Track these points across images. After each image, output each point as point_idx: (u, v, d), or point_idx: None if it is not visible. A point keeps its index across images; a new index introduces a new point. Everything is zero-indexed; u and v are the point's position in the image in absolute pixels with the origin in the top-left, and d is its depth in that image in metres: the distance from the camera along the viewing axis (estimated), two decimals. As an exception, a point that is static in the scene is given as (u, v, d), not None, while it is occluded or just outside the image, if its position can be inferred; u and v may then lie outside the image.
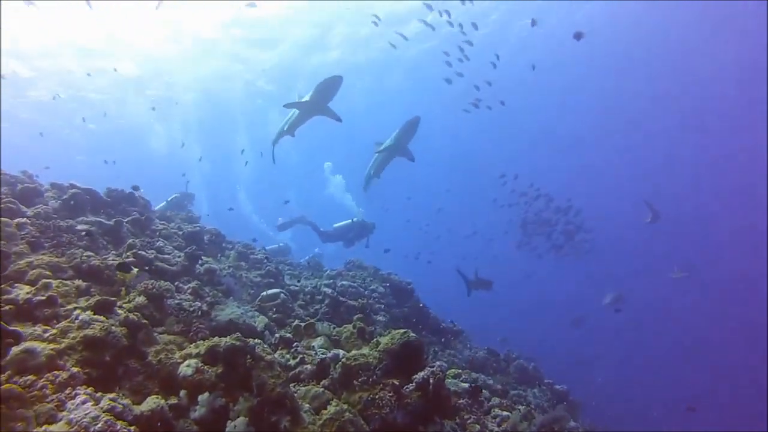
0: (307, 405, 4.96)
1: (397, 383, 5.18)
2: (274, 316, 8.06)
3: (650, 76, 32.04)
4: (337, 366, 5.56)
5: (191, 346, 4.92)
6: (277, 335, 6.69)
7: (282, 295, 8.54)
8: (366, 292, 11.54)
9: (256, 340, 4.76)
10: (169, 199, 15.98)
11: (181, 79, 33.89)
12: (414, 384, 5.11)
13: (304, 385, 5.65)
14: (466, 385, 6.98)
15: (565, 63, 30.47)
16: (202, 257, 9.23)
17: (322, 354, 5.98)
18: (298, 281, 11.06)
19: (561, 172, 40.40)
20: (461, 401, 6.35)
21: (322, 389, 5.42)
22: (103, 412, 3.32)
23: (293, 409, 4.39)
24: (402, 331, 5.62)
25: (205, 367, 4.46)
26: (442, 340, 11.98)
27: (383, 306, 11.47)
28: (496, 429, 6.41)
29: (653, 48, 29.60)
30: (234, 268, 9.95)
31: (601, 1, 26.01)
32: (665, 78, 31.62)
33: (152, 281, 6.12)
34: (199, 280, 8.22)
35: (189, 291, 7.06)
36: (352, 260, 13.73)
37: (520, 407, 7.57)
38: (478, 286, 16.85)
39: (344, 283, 11.17)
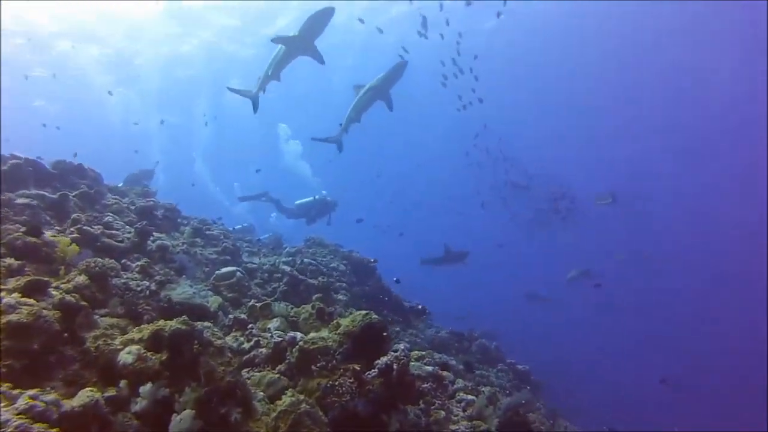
0: (262, 393, 4.62)
1: (359, 369, 4.87)
2: (229, 295, 7.67)
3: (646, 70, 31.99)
4: (294, 350, 5.22)
5: (134, 330, 4.52)
6: (231, 316, 6.32)
7: (238, 273, 8.14)
8: (326, 270, 11.21)
9: (205, 324, 4.39)
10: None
11: (141, 46, 32.65)
12: (376, 370, 4.80)
13: (259, 371, 5.31)
14: (430, 368, 6.69)
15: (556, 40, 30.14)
16: (155, 233, 8.78)
17: (279, 337, 5.63)
18: (258, 259, 10.68)
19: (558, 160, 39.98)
20: (425, 385, 6.07)
21: (278, 375, 5.08)
22: (17, 414, 2.89)
23: (245, 400, 4.05)
24: (364, 312, 5.30)
25: (148, 353, 4.08)
26: (404, 319, 11.74)
27: (344, 284, 11.16)
28: (462, 414, 6.16)
29: (652, 42, 29.46)
30: (189, 245, 9.49)
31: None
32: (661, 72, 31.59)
33: (95, 259, 5.66)
34: (150, 257, 7.79)
35: (137, 269, 6.62)
36: (312, 237, 13.37)
37: (484, 389, 7.35)
38: (451, 260, 16.76)
39: (304, 260, 10.81)
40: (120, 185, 13.64)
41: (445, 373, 6.98)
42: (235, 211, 25.32)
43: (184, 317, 4.22)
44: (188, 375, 4.01)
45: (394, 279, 12.39)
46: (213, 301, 6.71)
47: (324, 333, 5.47)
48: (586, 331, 36.20)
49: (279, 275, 9.59)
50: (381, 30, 19.86)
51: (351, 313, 5.47)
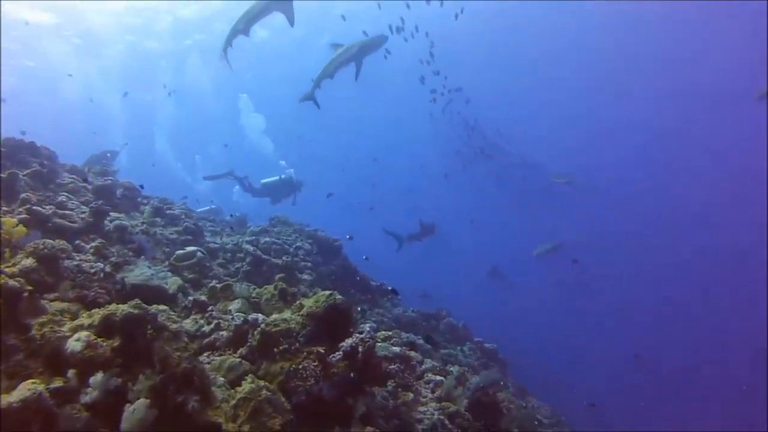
0: (222, 378, 4.41)
1: (323, 351, 4.70)
2: (189, 276, 7.41)
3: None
4: (255, 333, 5.01)
5: (84, 315, 4.28)
6: (191, 298, 6.07)
7: (199, 253, 7.87)
8: (291, 250, 10.99)
9: (160, 307, 4.16)
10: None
11: (102, 20, 31.50)
12: (341, 353, 4.64)
13: (220, 355, 5.10)
14: (398, 349, 6.54)
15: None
16: (113, 213, 8.47)
17: (240, 319, 5.40)
18: (220, 239, 10.40)
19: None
20: (393, 366, 5.93)
21: (239, 360, 4.88)
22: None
23: (203, 387, 3.84)
24: (328, 292, 5.10)
25: (99, 340, 3.85)
26: (370, 298, 11.59)
27: (309, 264, 10.95)
28: (430, 396, 6.04)
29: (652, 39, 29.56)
30: (148, 225, 9.17)
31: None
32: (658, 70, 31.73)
33: (45, 240, 5.36)
34: (107, 238, 7.49)
35: (91, 251, 6.34)
36: (277, 216, 13.08)
37: (453, 369, 7.25)
38: (423, 235, 16.71)
39: (267, 240, 10.57)
40: (81, 165, 13.20)
41: (412, 353, 6.85)
42: (199, 189, 24.77)
43: (137, 301, 3.97)
44: (142, 362, 3.80)
45: (363, 257, 12.19)
46: (172, 283, 6.45)
47: (287, 314, 5.27)
48: (555, 310, 36.41)
49: (242, 255, 9.35)
50: (344, 17, 19.71)
51: (315, 294, 5.27)
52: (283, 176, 16.17)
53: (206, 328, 5.49)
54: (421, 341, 8.99)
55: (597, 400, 13.12)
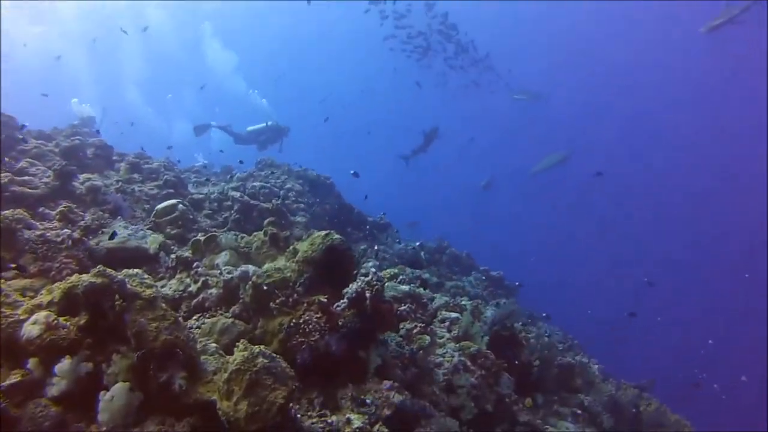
0: (214, 344, 3.88)
1: (325, 300, 4.15)
2: (172, 232, 6.82)
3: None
4: (247, 286, 4.45)
5: (44, 292, 3.69)
6: (173, 256, 5.48)
7: (180, 205, 7.22)
8: (281, 192, 10.38)
9: (130, 272, 3.54)
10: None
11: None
12: (346, 300, 4.09)
13: (211, 316, 4.56)
14: (406, 287, 5.96)
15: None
16: (83, 174, 7.84)
17: (228, 273, 4.82)
18: (207, 188, 9.77)
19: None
20: (403, 307, 5.40)
21: (231, 319, 4.34)
22: None
23: (189, 360, 3.29)
24: (323, 233, 4.50)
25: (61, 320, 3.28)
26: (370, 235, 11.07)
27: (302, 205, 10.37)
28: (447, 335, 5.53)
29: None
30: (124, 183, 8.52)
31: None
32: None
33: (-3, 211, 4.74)
34: (80, 202, 6.90)
35: (57, 216, 5.72)
36: (263, 159, 12.41)
37: (467, 304, 6.74)
38: (427, 143, 16.37)
39: (255, 184, 9.95)
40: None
41: (422, 290, 6.30)
42: (176, 130, 23.89)
43: (100, 267, 3.36)
44: (115, 340, 3.24)
45: (365, 197, 11.69)
46: (152, 241, 5.88)
47: (281, 262, 4.71)
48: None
49: (229, 203, 8.74)
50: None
51: (310, 236, 4.67)
52: (269, 122, 15.55)
53: (193, 288, 4.93)
54: (427, 275, 8.51)
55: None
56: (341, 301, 4.12)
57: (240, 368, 2.97)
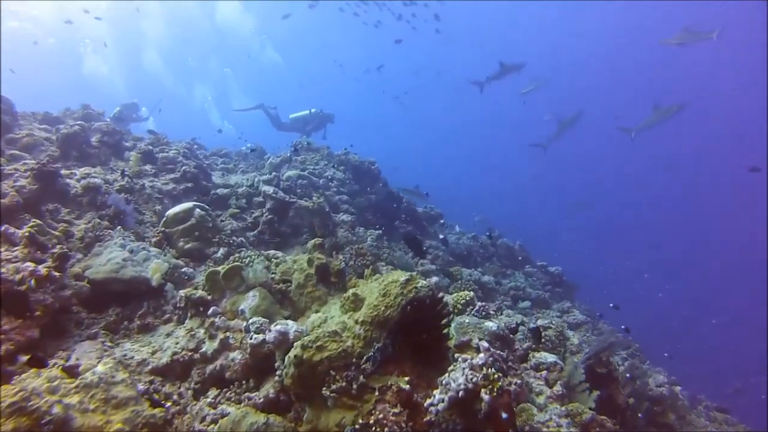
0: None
1: (407, 388, 2.59)
2: (186, 246, 5.30)
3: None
4: (287, 360, 2.86)
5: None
6: (181, 294, 3.93)
7: (197, 210, 5.65)
8: (321, 182, 8.84)
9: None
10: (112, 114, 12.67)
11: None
12: (446, 399, 2.50)
13: (234, 396, 3.05)
14: (494, 325, 4.18)
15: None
16: (83, 168, 6.42)
17: (257, 334, 3.25)
18: (235, 177, 8.25)
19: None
20: (513, 387, 3.69)
21: (264, 418, 2.79)
22: None
23: None
24: (402, 277, 2.88)
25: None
26: (418, 227, 9.75)
27: (345, 196, 8.85)
28: (548, 392, 3.83)
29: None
30: (133, 177, 6.97)
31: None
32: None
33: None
34: (75, 203, 5.51)
35: (22, 242, 4.10)
36: (299, 141, 10.89)
37: (548, 323, 5.08)
38: (504, 73, 15.10)
39: (290, 174, 8.41)
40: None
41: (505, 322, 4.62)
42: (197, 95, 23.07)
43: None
44: None
45: (415, 186, 10.45)
46: (155, 269, 4.30)
47: (335, 317, 3.14)
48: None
49: (260, 199, 7.22)
50: None
51: (378, 277, 3.06)
52: (313, 110, 14.45)
53: (208, 347, 3.41)
54: (486, 278, 7.01)
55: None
56: (435, 394, 2.54)
57: None
